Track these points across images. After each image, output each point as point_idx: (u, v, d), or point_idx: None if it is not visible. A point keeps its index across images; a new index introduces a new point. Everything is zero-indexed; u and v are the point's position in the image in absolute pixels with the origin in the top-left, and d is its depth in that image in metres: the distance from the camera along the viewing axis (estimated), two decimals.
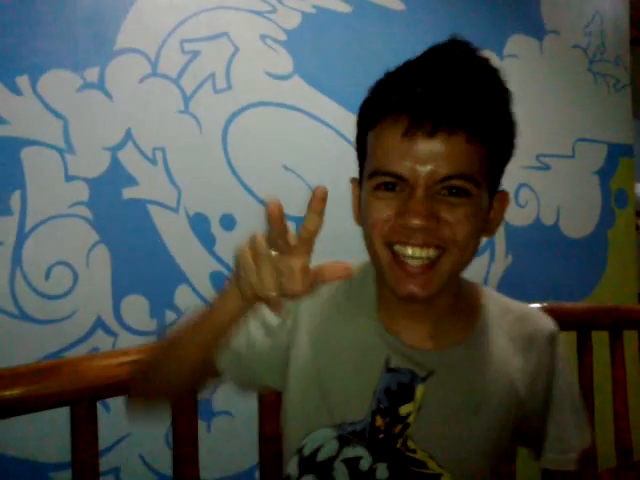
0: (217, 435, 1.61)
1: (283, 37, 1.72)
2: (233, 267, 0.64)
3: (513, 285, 2.07)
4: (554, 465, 0.87)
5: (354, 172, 0.82)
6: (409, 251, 0.71)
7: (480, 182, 0.72)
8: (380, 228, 0.73)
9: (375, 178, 0.73)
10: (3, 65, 1.39)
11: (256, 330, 0.84)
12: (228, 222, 1.63)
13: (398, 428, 0.79)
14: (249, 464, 1.63)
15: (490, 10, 2.08)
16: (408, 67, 0.73)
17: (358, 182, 0.81)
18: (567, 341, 1.80)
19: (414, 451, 0.79)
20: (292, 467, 0.83)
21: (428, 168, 0.69)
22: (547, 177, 2.21)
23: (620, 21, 2.45)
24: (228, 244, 1.62)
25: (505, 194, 0.81)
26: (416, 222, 0.69)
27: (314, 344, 0.83)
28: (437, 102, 0.68)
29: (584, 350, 1.67)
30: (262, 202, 1.66)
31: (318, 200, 0.60)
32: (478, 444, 0.81)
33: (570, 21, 2.31)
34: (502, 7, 2.12)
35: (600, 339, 1.72)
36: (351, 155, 0.84)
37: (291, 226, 0.61)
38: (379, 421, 0.79)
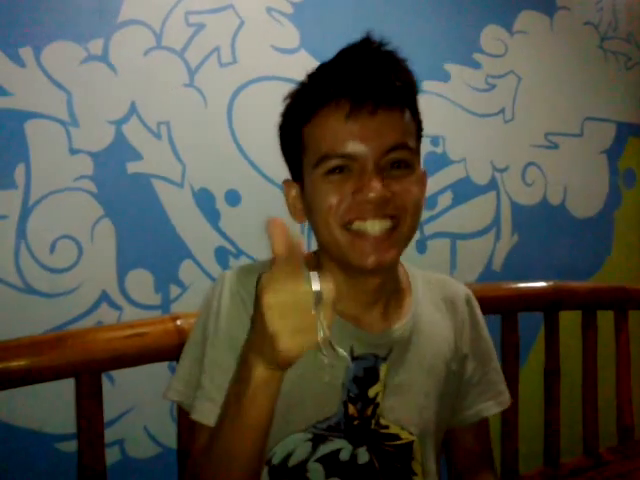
0: None
1: (289, 10, 1.69)
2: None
3: (519, 264, 2.05)
4: (487, 412, 0.96)
5: None
6: (368, 225, 0.76)
7: (416, 153, 0.81)
8: (336, 210, 0.77)
9: (325, 163, 0.77)
10: (6, 36, 1.37)
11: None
12: (233, 198, 1.62)
13: (370, 410, 0.83)
14: None
15: None
16: (332, 64, 0.81)
17: (293, 181, 0.86)
18: (572, 320, 1.81)
19: (387, 427, 0.84)
20: (262, 478, 0.79)
21: (374, 143, 0.76)
22: (555, 156, 2.18)
23: None
24: (233, 220, 1.61)
25: (425, 173, 0.87)
26: (374, 195, 0.74)
27: None
28: (374, 84, 0.76)
29: (589, 329, 1.67)
30: (267, 178, 1.65)
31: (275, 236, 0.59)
32: (433, 405, 0.88)
33: None
34: None
35: (604, 318, 1.72)
36: None
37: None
38: (351, 409, 0.82)
